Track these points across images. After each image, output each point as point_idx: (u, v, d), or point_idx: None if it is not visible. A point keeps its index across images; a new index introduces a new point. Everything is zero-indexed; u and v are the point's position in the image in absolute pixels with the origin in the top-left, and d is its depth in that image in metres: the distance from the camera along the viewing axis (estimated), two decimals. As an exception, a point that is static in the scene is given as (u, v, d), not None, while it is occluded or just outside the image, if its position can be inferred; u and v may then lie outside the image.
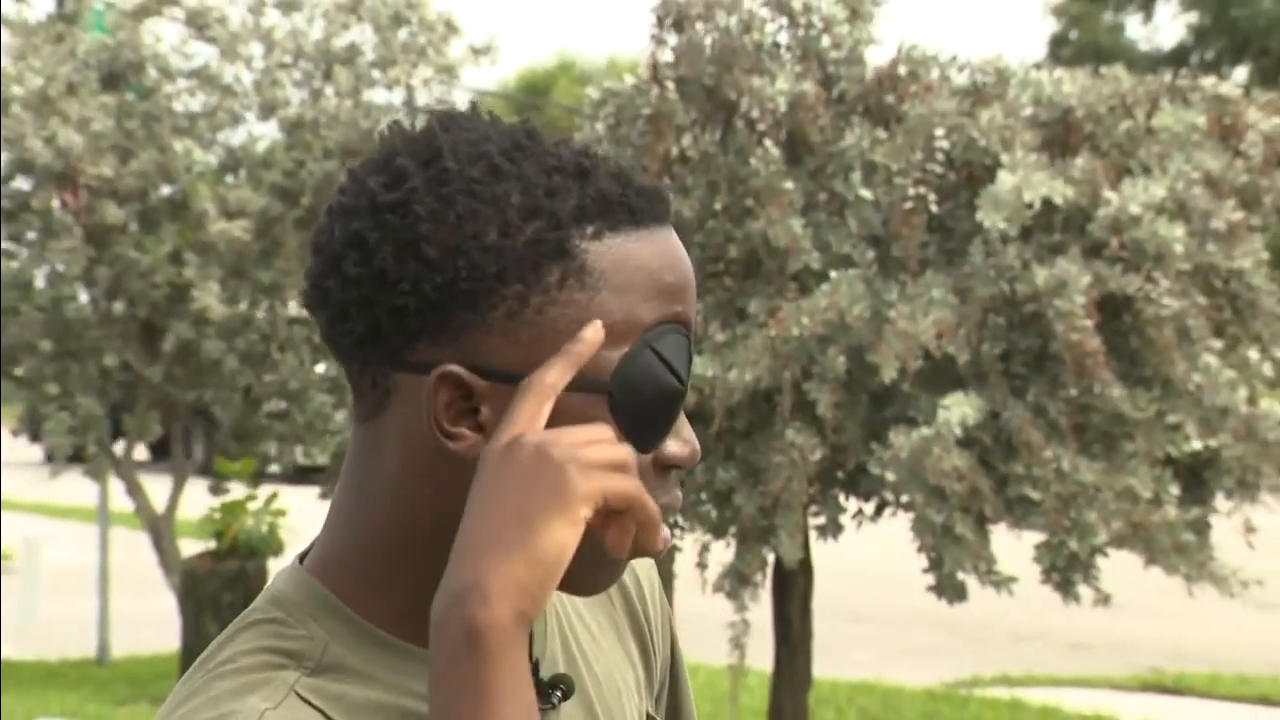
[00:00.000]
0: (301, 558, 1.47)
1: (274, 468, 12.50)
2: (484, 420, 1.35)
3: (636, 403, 1.37)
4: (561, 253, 1.35)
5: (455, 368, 1.34)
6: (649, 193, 1.39)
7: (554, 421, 1.34)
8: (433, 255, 1.33)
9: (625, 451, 1.32)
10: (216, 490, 11.30)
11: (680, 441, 1.41)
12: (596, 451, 1.31)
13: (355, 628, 1.40)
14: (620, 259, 1.36)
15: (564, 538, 1.28)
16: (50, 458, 11.87)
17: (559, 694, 1.46)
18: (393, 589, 1.41)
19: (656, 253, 1.38)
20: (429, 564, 1.38)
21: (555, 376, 1.33)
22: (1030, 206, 6.62)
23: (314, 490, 11.14)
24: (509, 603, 1.27)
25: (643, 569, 1.66)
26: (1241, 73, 33.51)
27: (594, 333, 1.33)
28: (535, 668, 1.44)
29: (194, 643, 9.29)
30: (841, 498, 7.15)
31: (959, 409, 6.44)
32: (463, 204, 1.34)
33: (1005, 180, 6.61)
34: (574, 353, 1.33)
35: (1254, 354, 7.11)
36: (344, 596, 1.41)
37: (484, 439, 1.35)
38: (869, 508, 7.27)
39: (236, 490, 11.24)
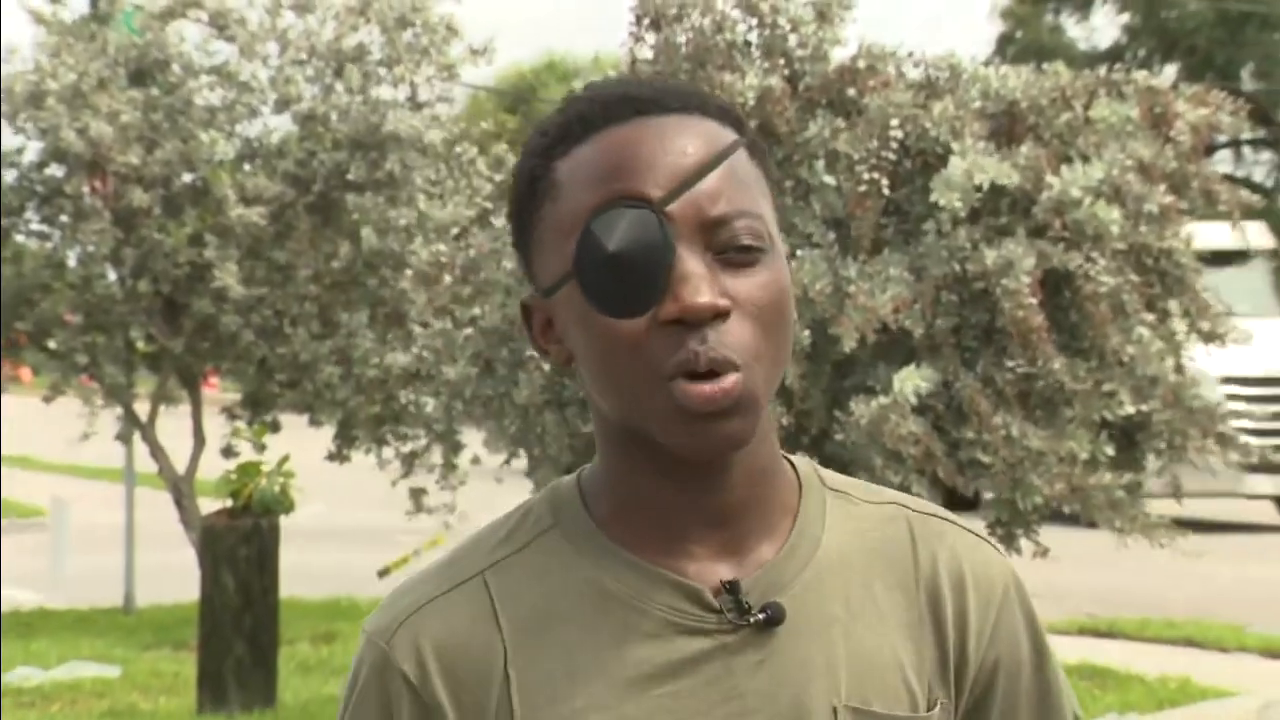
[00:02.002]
0: None
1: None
2: (558, 332, 1.44)
3: (590, 278, 1.38)
4: (536, 177, 1.44)
5: (526, 296, 1.47)
6: (608, 100, 1.44)
7: (561, 314, 1.42)
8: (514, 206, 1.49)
9: None
10: (228, 454, 11.26)
11: (671, 298, 1.37)
12: None
13: (583, 525, 1.47)
14: (575, 165, 1.42)
15: None
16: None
17: (762, 615, 1.44)
18: (602, 492, 1.48)
19: (604, 146, 1.42)
20: (611, 466, 1.47)
21: None
22: (979, 189, 6.60)
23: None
24: None
25: (982, 595, 1.53)
26: (1170, 70, 33.50)
27: None
28: (734, 586, 1.44)
29: (212, 593, 9.23)
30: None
31: (913, 380, 6.42)
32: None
33: (956, 165, 6.60)
34: None
35: (1181, 327, 7.11)
36: (586, 497, 1.48)
37: (565, 348, 1.44)
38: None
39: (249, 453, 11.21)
